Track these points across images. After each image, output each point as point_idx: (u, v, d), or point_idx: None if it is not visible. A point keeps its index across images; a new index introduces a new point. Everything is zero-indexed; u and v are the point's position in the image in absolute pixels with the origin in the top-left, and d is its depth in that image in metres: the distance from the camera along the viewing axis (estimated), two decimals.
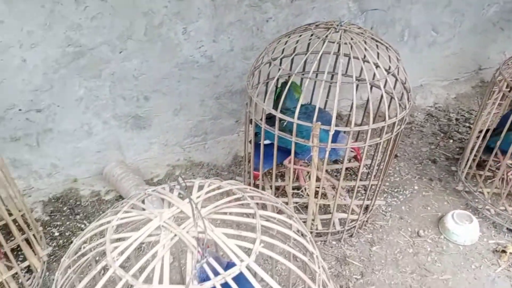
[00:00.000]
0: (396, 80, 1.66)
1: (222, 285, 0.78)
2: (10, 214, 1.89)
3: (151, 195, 0.98)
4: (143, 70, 1.96)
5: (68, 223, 2.00)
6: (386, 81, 1.54)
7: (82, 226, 2.00)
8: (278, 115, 1.51)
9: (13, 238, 1.74)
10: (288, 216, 1.01)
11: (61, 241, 1.91)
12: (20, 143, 1.92)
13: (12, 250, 1.71)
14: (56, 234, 1.95)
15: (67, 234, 1.95)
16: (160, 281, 0.79)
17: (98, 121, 2.03)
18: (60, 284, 0.93)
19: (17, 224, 1.70)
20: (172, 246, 0.84)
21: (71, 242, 1.90)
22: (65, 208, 2.06)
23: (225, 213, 0.91)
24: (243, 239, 0.88)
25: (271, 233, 1.08)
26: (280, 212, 1.09)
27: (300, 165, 2.03)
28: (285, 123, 1.62)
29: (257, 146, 1.77)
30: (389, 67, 1.63)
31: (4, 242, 1.53)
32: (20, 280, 1.68)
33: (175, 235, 0.85)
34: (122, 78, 1.95)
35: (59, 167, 2.09)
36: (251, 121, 1.73)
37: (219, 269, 0.80)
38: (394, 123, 1.57)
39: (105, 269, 0.84)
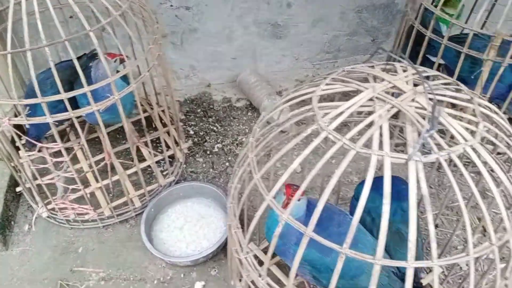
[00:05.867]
0: None
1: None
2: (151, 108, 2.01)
3: (350, 71, 0.93)
4: None
5: (201, 124, 2.07)
6: None
7: (214, 128, 2.05)
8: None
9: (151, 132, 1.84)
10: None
11: (196, 139, 1.99)
12: (166, 40, 1.98)
13: (152, 141, 1.80)
14: (191, 132, 2.03)
15: (201, 133, 2.02)
16: (380, 147, 0.75)
17: (239, 25, 2.01)
18: (253, 144, 0.94)
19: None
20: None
21: (205, 141, 1.98)
22: (199, 110, 2.13)
23: (441, 95, 0.84)
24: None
25: None
26: None
27: None
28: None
29: None
30: None
31: (162, 131, 1.60)
32: (165, 167, 1.80)
33: (393, 106, 0.80)
34: None
35: (196, 69, 2.14)
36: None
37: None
38: None
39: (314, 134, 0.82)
